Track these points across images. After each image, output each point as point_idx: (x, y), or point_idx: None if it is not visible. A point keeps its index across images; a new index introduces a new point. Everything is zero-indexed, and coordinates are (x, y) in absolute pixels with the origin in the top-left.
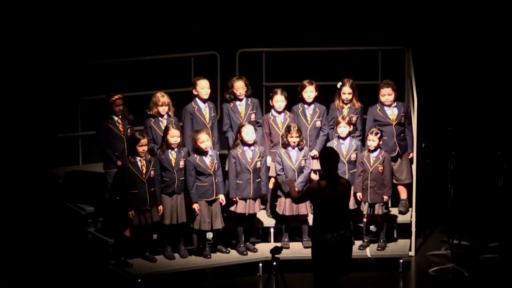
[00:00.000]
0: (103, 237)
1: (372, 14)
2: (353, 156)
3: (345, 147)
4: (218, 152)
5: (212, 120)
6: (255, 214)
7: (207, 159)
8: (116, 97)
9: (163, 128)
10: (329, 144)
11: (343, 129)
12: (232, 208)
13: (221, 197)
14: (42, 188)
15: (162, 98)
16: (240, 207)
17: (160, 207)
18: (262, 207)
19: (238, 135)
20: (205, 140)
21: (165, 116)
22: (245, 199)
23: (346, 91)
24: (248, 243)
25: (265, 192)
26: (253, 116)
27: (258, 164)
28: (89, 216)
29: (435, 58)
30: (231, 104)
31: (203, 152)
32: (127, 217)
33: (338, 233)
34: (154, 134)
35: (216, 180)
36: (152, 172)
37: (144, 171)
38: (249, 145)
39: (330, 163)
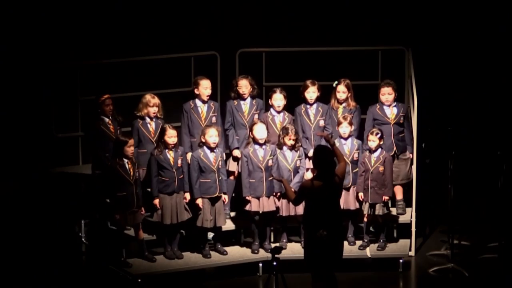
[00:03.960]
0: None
1: (372, 14)
2: (356, 156)
3: (348, 147)
4: (222, 150)
5: (211, 120)
6: (273, 211)
7: (211, 156)
8: (105, 96)
9: (150, 130)
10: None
11: (345, 129)
12: (247, 208)
13: (224, 197)
14: (42, 188)
15: (152, 99)
16: (254, 206)
17: (143, 209)
18: (278, 204)
19: (250, 133)
20: (213, 135)
21: (154, 118)
22: (258, 198)
23: (341, 90)
24: (266, 243)
25: (278, 190)
26: (256, 116)
27: (270, 162)
28: (88, 216)
29: (435, 58)
30: (235, 102)
31: (209, 147)
32: (113, 220)
33: (329, 229)
34: (141, 136)
35: (220, 178)
36: (137, 174)
37: (131, 173)
38: (261, 144)
39: (324, 161)
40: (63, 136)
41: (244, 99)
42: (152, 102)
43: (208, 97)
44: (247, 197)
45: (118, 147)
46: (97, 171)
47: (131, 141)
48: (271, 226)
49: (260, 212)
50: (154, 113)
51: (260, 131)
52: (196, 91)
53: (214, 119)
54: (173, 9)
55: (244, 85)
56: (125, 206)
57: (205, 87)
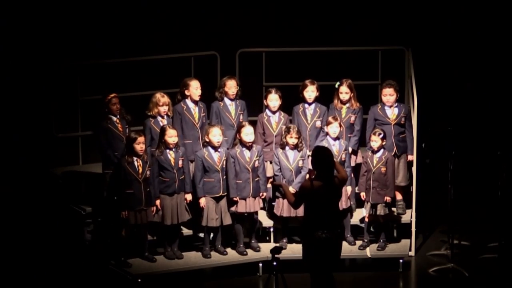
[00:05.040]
0: (102, 237)
1: (372, 14)
2: (343, 157)
3: (336, 148)
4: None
5: (202, 120)
6: (255, 212)
7: (215, 155)
8: (111, 95)
9: None
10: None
11: (335, 129)
12: (233, 208)
13: None
14: (42, 188)
15: (162, 98)
16: (241, 207)
17: (153, 208)
18: (262, 205)
19: (238, 134)
20: (217, 134)
21: (165, 117)
22: (244, 199)
23: (343, 91)
24: (253, 241)
25: (263, 190)
26: (241, 117)
27: (257, 163)
28: (89, 216)
29: (435, 58)
30: (221, 103)
31: (213, 147)
32: (120, 217)
33: (328, 230)
34: (154, 135)
35: (224, 177)
36: (148, 172)
37: (140, 171)
38: (247, 146)
39: (324, 162)
40: (63, 136)
41: (232, 100)
42: (161, 101)
43: (200, 97)
44: (234, 198)
45: (127, 144)
46: (107, 170)
47: (141, 139)
48: (272, 227)
49: (245, 213)
50: (164, 111)
51: (248, 133)
52: (186, 92)
53: (204, 119)
54: (173, 9)
55: (233, 86)
56: (133, 204)
57: (195, 87)
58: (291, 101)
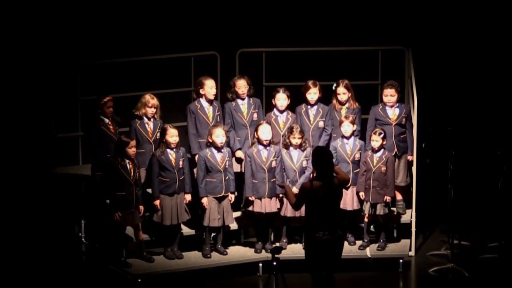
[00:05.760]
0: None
1: (372, 14)
2: (357, 156)
3: (349, 147)
4: (230, 150)
5: (216, 119)
6: (275, 213)
7: (218, 156)
8: (107, 98)
9: (148, 130)
10: (333, 144)
11: (347, 128)
12: (250, 208)
13: (231, 196)
14: (42, 188)
15: (151, 100)
16: (257, 207)
17: (141, 208)
18: (279, 205)
19: (255, 133)
20: (220, 135)
21: (152, 119)
22: (260, 198)
23: (341, 92)
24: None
25: (280, 191)
26: (255, 115)
27: (273, 163)
28: (89, 216)
29: (435, 58)
30: (233, 103)
31: (216, 147)
32: (112, 219)
33: (329, 232)
34: (139, 136)
35: (227, 177)
36: (138, 174)
37: (132, 173)
38: (265, 145)
39: (323, 162)
40: (63, 136)
41: (243, 99)
42: (150, 103)
43: (214, 96)
44: (250, 198)
45: (119, 148)
46: (97, 173)
47: (133, 142)
48: (274, 227)
49: (263, 213)
50: (152, 113)
51: (265, 131)
52: (201, 91)
53: (218, 118)
54: (173, 9)
55: (243, 85)
56: (124, 206)
57: (210, 86)
58: (291, 101)
